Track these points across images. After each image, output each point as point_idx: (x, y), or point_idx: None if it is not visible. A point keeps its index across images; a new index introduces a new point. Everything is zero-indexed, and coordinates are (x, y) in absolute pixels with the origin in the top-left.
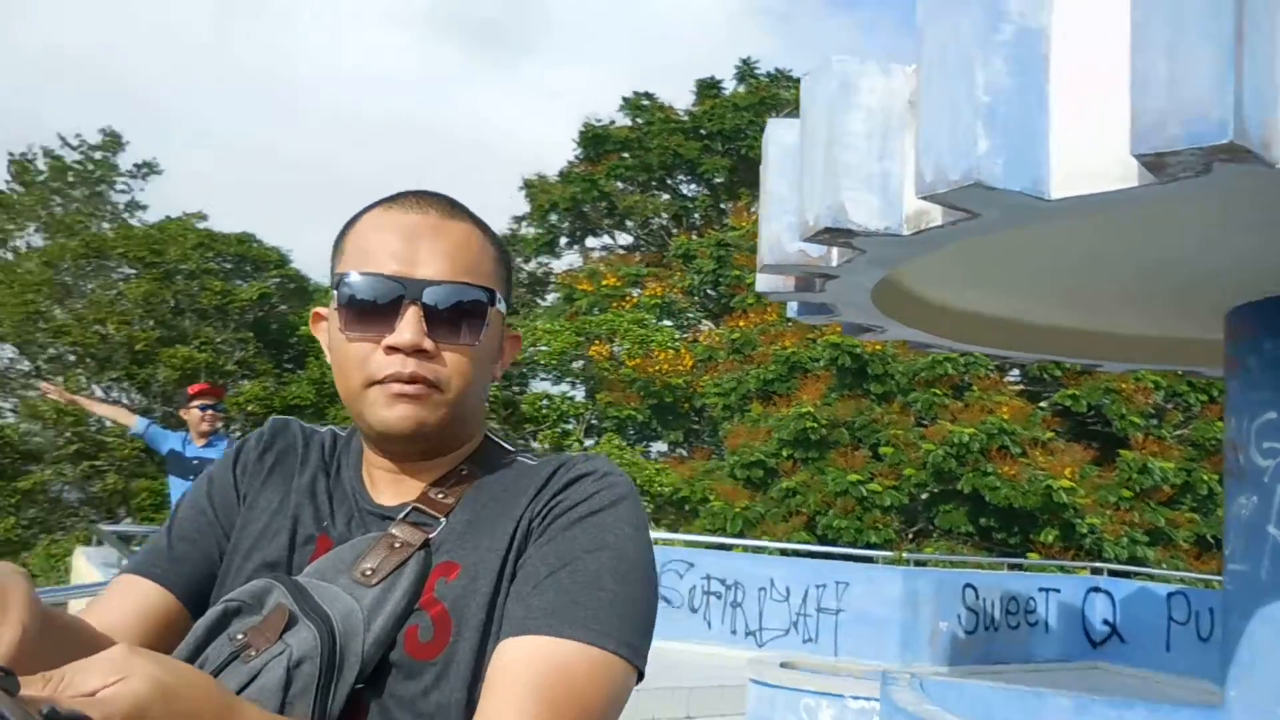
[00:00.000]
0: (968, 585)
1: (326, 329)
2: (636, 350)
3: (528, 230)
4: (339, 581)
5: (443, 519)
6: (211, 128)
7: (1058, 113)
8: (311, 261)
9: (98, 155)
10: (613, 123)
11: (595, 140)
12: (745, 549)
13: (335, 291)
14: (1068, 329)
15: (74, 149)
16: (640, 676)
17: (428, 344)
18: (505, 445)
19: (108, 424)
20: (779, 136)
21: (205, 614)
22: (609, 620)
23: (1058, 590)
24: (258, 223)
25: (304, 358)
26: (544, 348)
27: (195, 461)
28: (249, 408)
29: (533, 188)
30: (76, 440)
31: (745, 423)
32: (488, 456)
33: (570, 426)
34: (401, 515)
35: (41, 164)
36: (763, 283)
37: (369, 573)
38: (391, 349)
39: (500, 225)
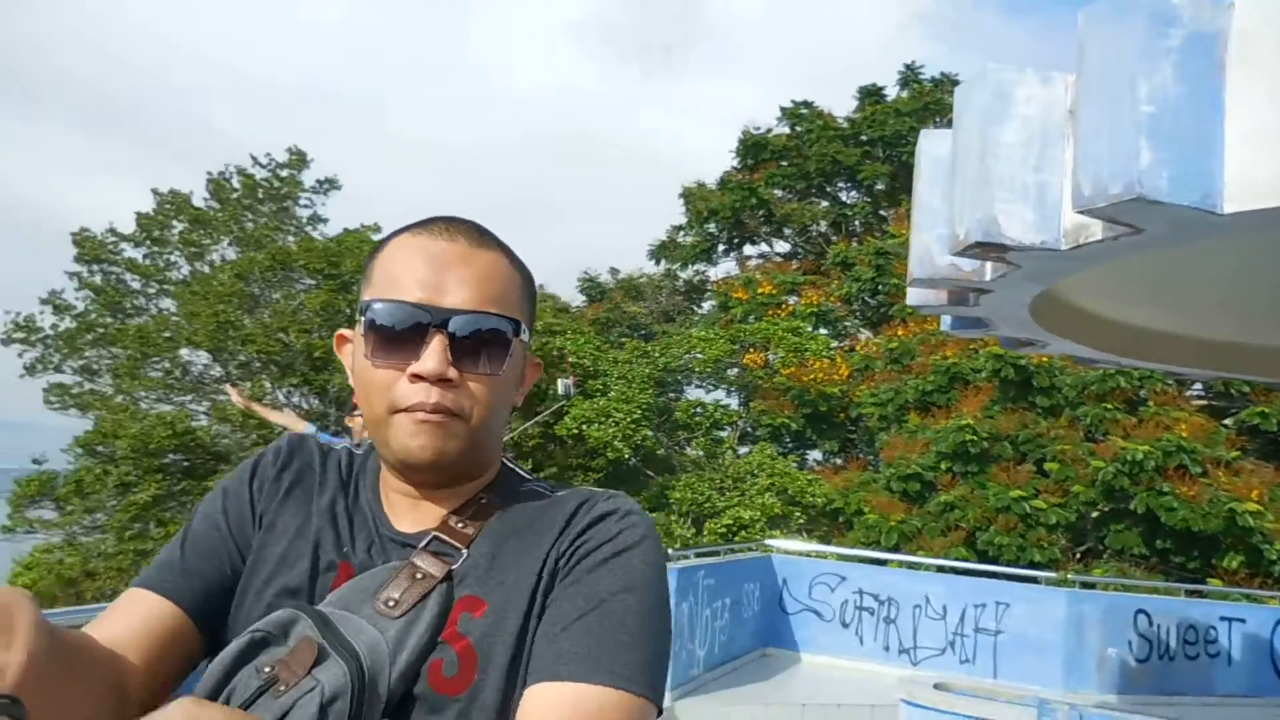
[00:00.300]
0: (1140, 611)
1: (351, 352)
2: (791, 359)
3: (685, 238)
4: (362, 611)
5: (464, 550)
6: (401, 144)
7: (1234, 121)
8: None
9: (284, 173)
10: (769, 131)
11: (754, 148)
12: (900, 564)
13: (362, 317)
14: (1249, 346)
15: (264, 167)
16: (660, 713)
17: (452, 373)
18: (522, 473)
19: (278, 429)
20: (931, 147)
21: (231, 644)
22: (637, 664)
23: (1242, 620)
24: None
25: None
26: (699, 355)
27: None
28: None
29: (691, 196)
30: (261, 442)
31: (902, 434)
32: (506, 485)
33: (724, 434)
34: (423, 544)
35: (236, 182)
36: (914, 296)
37: (392, 604)
38: (416, 377)
39: (660, 234)
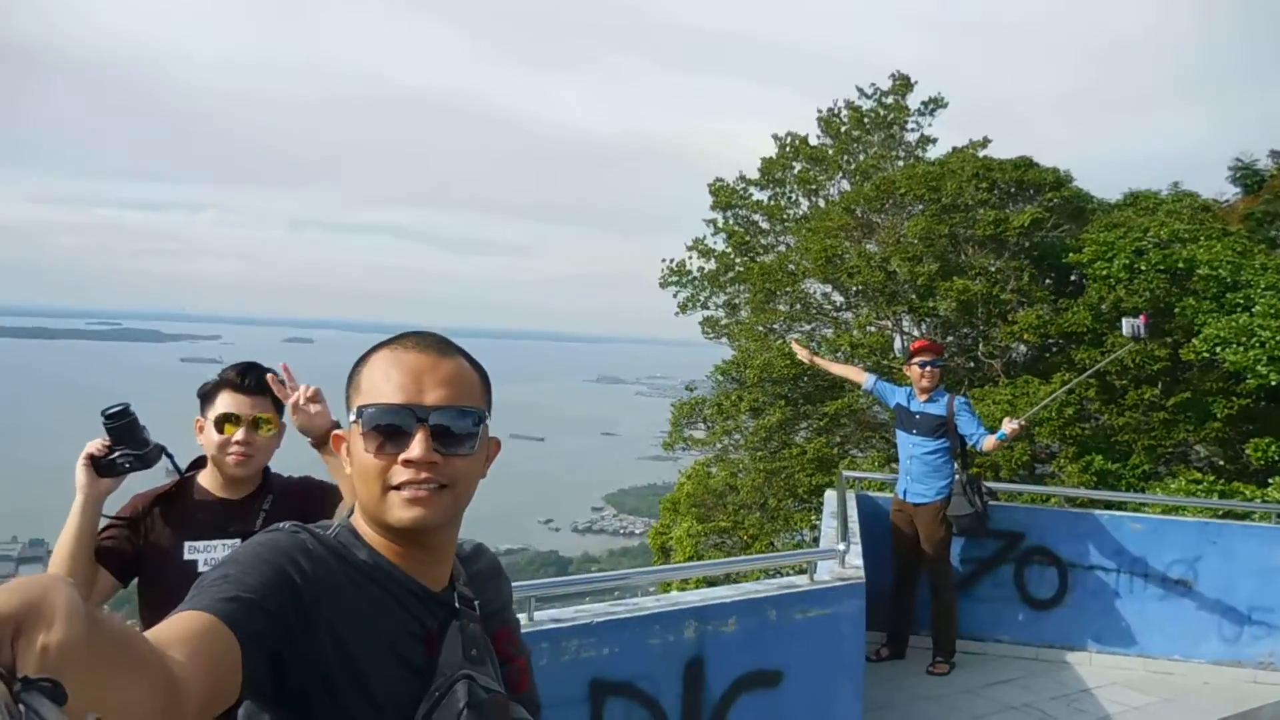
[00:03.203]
0: None
1: (346, 448)
2: None
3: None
4: (465, 665)
5: (474, 596)
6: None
7: None
8: (1092, 179)
9: (889, 99)
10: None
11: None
12: None
13: (357, 420)
14: None
15: (869, 97)
16: None
17: (436, 456)
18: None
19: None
20: None
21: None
22: None
23: None
24: (1036, 146)
25: (1082, 282)
26: None
27: (918, 416)
28: (1025, 336)
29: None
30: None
31: None
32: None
33: None
34: (458, 604)
35: (844, 116)
36: None
37: (475, 653)
38: (408, 462)
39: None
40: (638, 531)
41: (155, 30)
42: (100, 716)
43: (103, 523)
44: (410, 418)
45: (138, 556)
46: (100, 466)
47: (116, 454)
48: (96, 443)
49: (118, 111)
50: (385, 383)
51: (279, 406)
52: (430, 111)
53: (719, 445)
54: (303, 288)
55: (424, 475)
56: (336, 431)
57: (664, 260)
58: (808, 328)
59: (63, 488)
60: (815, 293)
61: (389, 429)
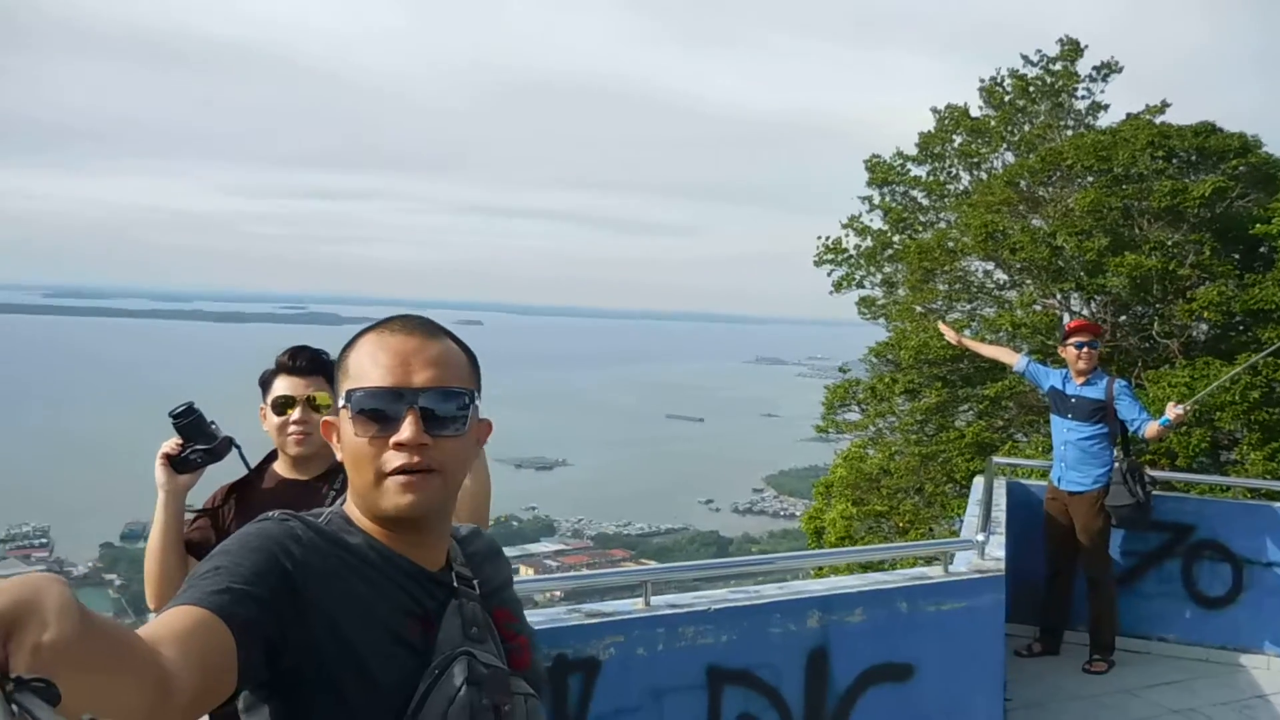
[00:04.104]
0: None
1: (336, 433)
2: None
3: None
4: (465, 643)
5: (472, 576)
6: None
7: None
8: None
9: (1056, 66)
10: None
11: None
12: None
13: (346, 404)
14: None
15: (1034, 65)
16: None
17: (426, 439)
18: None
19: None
20: None
21: (440, 692)
22: None
23: None
24: (1223, 111)
25: (1272, 255)
26: None
27: (1074, 400)
28: (1205, 314)
29: None
30: (1039, 350)
31: None
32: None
33: None
34: (456, 583)
35: (1008, 85)
36: None
37: (475, 631)
38: (399, 445)
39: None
40: (798, 514)
41: (329, 26)
42: (94, 716)
43: (189, 516)
44: (399, 400)
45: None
46: (176, 464)
47: (188, 451)
48: (171, 442)
49: (293, 103)
50: (373, 366)
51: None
52: (591, 95)
53: (873, 428)
54: (468, 272)
55: (415, 458)
56: (326, 418)
57: (819, 238)
58: (968, 307)
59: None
60: (976, 271)
61: (378, 413)
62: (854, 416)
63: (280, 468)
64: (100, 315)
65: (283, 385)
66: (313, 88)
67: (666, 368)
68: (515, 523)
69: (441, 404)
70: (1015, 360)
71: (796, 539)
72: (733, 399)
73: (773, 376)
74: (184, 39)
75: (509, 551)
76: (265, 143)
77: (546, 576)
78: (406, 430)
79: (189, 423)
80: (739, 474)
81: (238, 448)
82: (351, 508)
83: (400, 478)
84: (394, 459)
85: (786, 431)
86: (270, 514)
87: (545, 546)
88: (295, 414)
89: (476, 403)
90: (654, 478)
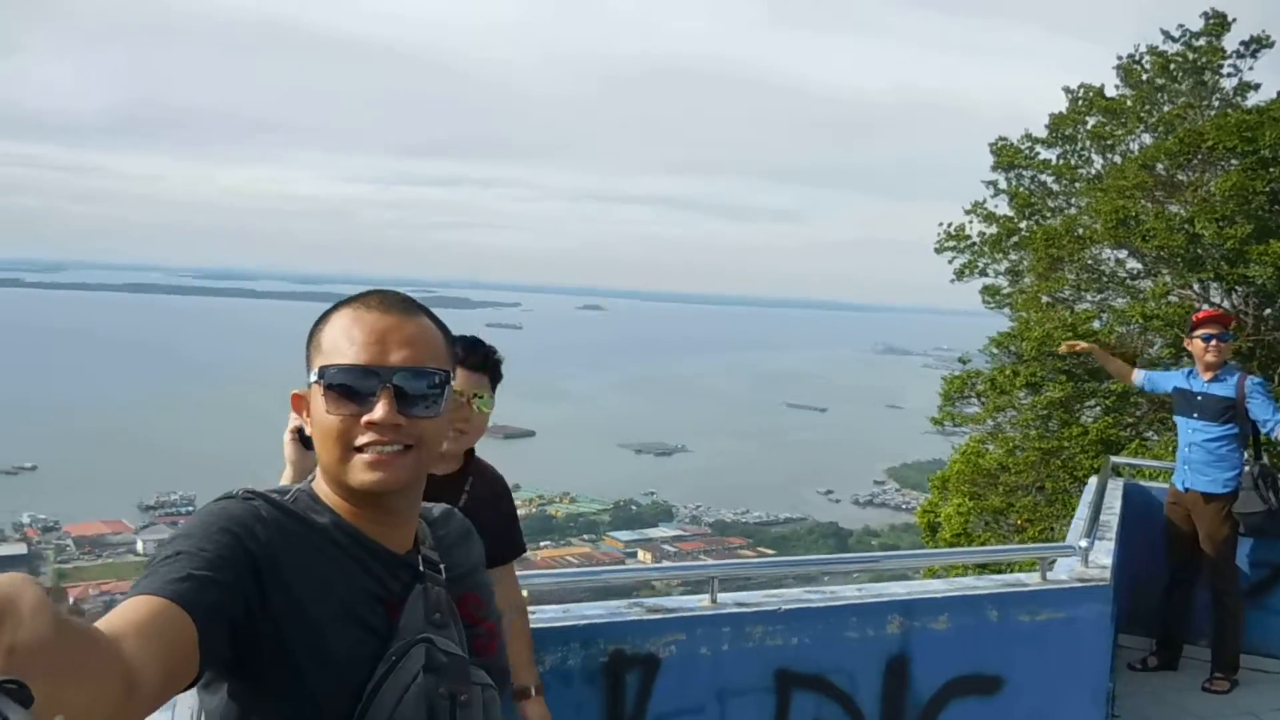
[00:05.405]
0: None
1: (306, 408)
2: None
3: None
4: (426, 629)
5: (439, 560)
6: None
7: None
8: None
9: (1200, 41)
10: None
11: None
12: None
13: (319, 380)
14: None
15: (1175, 40)
16: None
17: (399, 419)
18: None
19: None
20: None
21: (394, 680)
22: None
23: None
24: None
25: None
26: None
27: (1200, 397)
28: None
29: None
30: (1169, 346)
31: None
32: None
33: None
34: (421, 566)
35: (1146, 63)
36: None
37: (438, 616)
38: (371, 424)
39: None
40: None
41: (442, 19)
42: (66, 717)
43: None
44: (374, 379)
45: None
46: (307, 440)
47: None
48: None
49: (410, 93)
50: (348, 343)
51: (494, 385)
52: (701, 79)
53: (991, 422)
54: (585, 258)
55: (388, 437)
56: (295, 391)
57: (940, 224)
58: (1097, 297)
59: None
60: (1107, 259)
61: (351, 390)
62: (973, 409)
63: None
64: (246, 296)
65: None
66: (426, 80)
67: (781, 355)
68: (634, 507)
69: (416, 383)
70: (1135, 376)
71: (918, 533)
72: (855, 389)
73: (898, 367)
74: (307, 35)
75: (627, 535)
76: (386, 133)
77: (607, 569)
78: (380, 409)
79: None
80: (860, 465)
81: None
82: (320, 485)
83: (369, 454)
84: (365, 436)
85: (910, 423)
86: (233, 492)
87: (663, 531)
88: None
89: (451, 382)
90: (773, 467)
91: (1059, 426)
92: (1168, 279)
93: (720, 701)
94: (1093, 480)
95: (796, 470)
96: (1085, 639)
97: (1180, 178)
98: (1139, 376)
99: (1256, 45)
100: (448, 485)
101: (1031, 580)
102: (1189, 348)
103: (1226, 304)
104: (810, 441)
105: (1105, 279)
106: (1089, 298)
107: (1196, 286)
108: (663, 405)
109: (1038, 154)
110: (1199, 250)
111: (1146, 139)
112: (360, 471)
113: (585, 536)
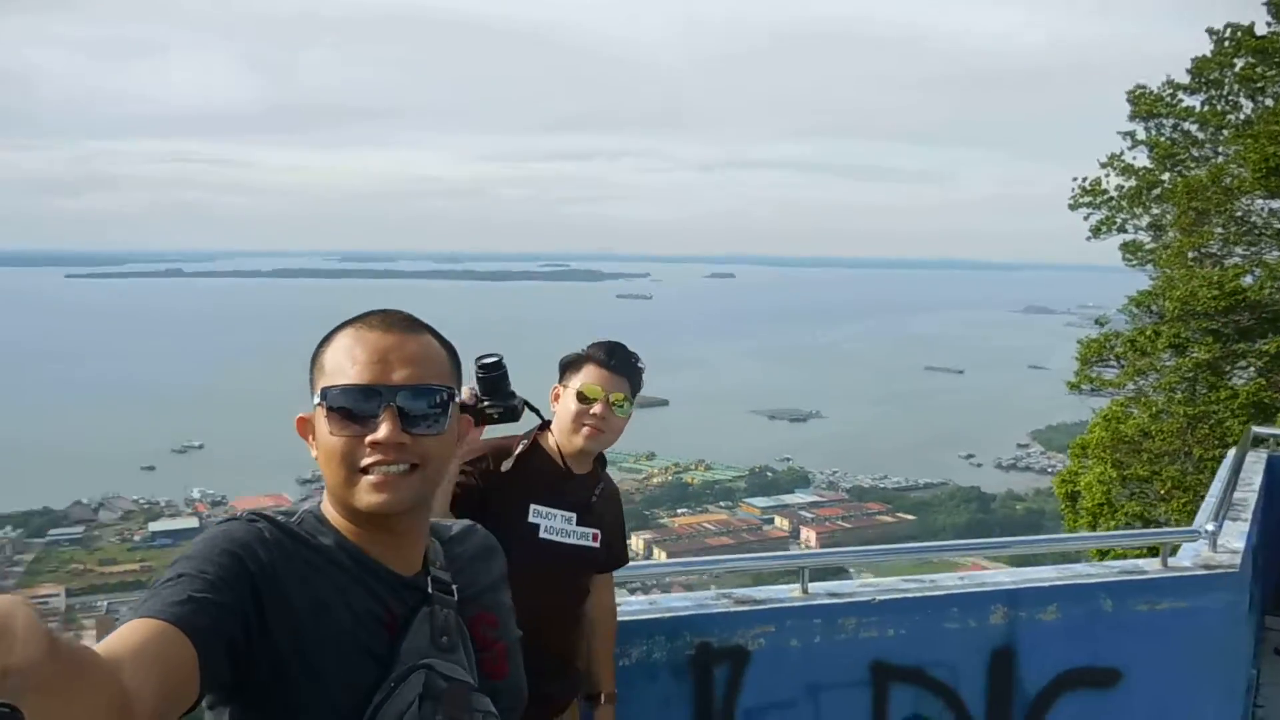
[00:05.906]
0: None
1: (310, 430)
2: None
3: None
4: (433, 653)
5: (450, 581)
6: None
7: None
8: None
9: None
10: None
11: None
12: None
13: (322, 401)
14: None
15: None
16: None
17: (404, 438)
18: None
19: None
20: None
21: (393, 705)
22: None
23: None
24: None
25: None
26: None
27: None
28: None
29: None
30: None
31: None
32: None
33: None
34: (430, 588)
35: None
36: None
37: (445, 640)
38: (375, 444)
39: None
40: None
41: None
42: None
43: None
44: (376, 398)
45: (483, 503)
46: (476, 415)
47: (486, 403)
48: (466, 390)
49: (539, 70)
50: (350, 363)
51: (635, 392)
52: (832, 40)
53: (1132, 386)
54: (716, 228)
55: (392, 456)
56: (301, 415)
57: (1074, 179)
58: (1248, 251)
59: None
60: (1259, 209)
61: (355, 411)
62: (1112, 373)
63: (555, 451)
64: (388, 278)
65: (592, 376)
66: (554, 56)
67: (920, 318)
68: (770, 473)
69: (419, 402)
70: None
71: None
72: (996, 349)
73: (1041, 326)
74: (434, 20)
75: (763, 502)
76: (517, 111)
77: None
78: (384, 429)
79: (496, 376)
80: (1003, 429)
81: (535, 411)
82: (327, 506)
83: (374, 475)
84: (370, 456)
85: (1054, 384)
86: (238, 514)
87: (800, 498)
88: (596, 408)
89: (456, 399)
90: (911, 431)
91: (1206, 390)
92: None
93: (812, 695)
94: (1230, 453)
95: (937, 434)
96: (1213, 629)
97: None
98: None
99: None
100: (582, 483)
101: (1151, 567)
102: None
103: None
104: (950, 404)
105: (1257, 231)
106: (1239, 252)
107: None
108: (796, 372)
109: (1180, 101)
110: None
111: None
112: (366, 493)
113: (722, 504)
